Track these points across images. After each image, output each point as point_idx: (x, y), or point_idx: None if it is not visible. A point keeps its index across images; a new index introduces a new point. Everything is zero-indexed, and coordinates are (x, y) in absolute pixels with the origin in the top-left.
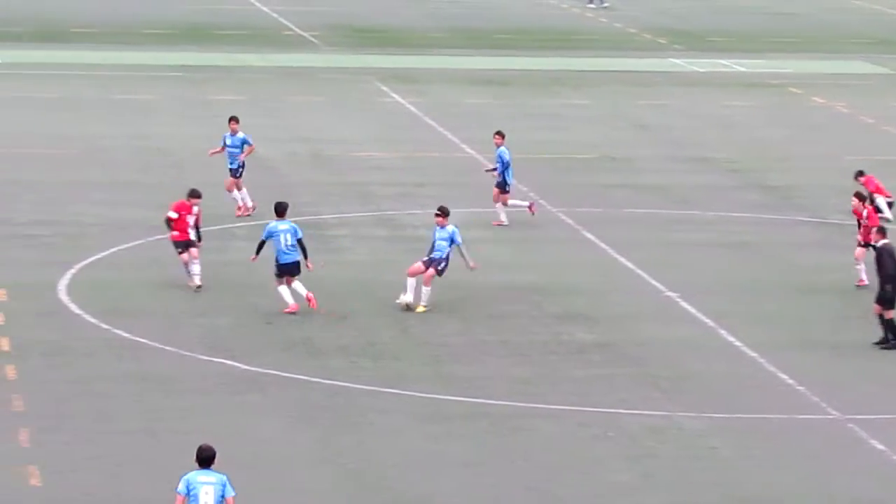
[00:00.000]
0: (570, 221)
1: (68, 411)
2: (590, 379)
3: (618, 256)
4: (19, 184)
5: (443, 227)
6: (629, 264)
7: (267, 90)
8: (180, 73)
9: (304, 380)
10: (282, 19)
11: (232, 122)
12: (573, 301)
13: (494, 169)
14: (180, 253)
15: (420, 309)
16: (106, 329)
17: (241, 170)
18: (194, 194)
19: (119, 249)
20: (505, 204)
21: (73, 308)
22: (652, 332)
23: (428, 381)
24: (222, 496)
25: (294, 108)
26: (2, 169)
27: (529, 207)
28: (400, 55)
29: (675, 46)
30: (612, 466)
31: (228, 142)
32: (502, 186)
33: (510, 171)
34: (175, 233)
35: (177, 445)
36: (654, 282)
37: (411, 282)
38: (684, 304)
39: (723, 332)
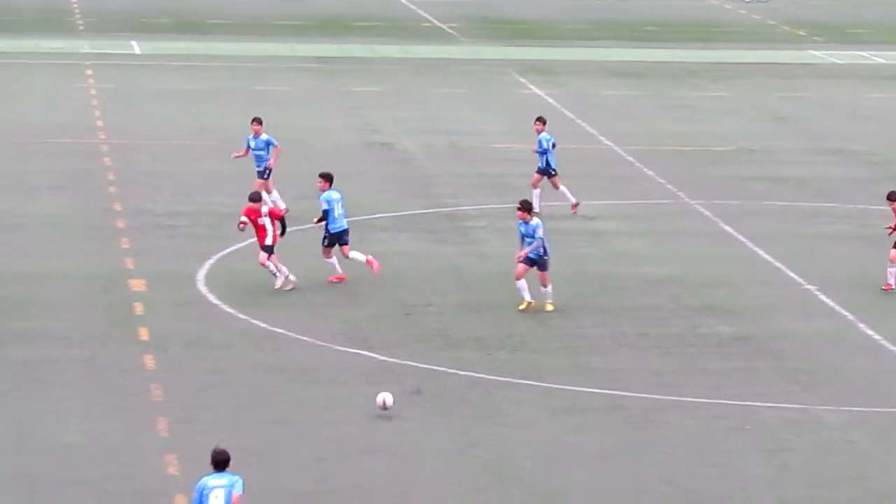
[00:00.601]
0: (707, 214)
1: (206, 401)
2: (727, 371)
3: (756, 249)
4: (160, 175)
5: (526, 221)
6: (768, 257)
7: (405, 82)
8: (318, 65)
9: (440, 371)
10: (420, 11)
11: (255, 124)
12: (711, 293)
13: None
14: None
15: (549, 307)
16: (244, 319)
17: (268, 172)
18: (252, 198)
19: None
20: (557, 187)
21: (212, 298)
22: (790, 325)
23: (564, 373)
24: (230, 494)
25: (432, 100)
26: (142, 160)
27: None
28: (538, 47)
29: (815, 38)
30: (749, 459)
31: (252, 144)
32: (544, 172)
33: (551, 157)
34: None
35: (314, 436)
36: (792, 275)
37: (522, 284)
38: (823, 298)
39: (862, 325)
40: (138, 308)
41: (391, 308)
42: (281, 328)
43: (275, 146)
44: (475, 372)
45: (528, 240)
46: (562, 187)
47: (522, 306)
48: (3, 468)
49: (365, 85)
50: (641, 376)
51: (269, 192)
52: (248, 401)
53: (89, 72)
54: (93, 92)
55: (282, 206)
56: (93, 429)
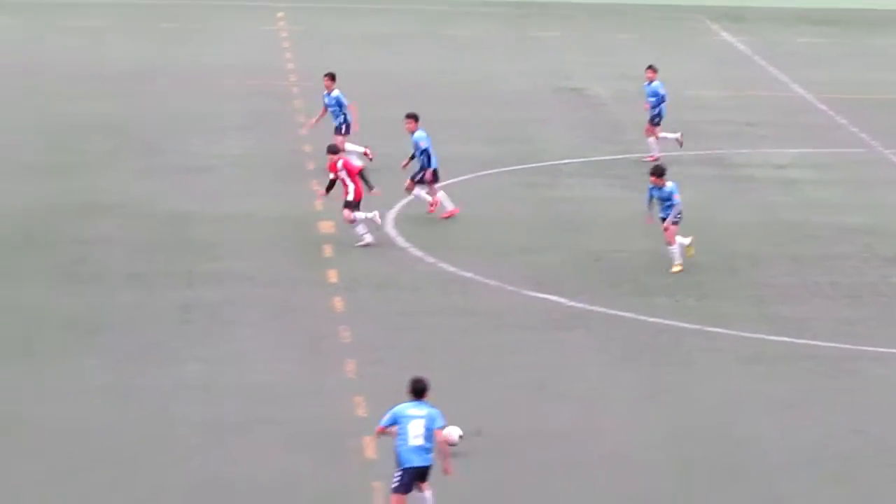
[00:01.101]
0: None
1: (394, 343)
2: None
3: None
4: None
5: (660, 187)
6: None
7: (594, 28)
8: (505, 10)
9: (629, 317)
10: None
11: (326, 80)
12: None
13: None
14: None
15: (676, 268)
16: (432, 263)
17: (343, 126)
18: (329, 150)
19: (445, 184)
20: (656, 137)
21: (400, 241)
22: None
23: (753, 322)
24: (430, 429)
25: (623, 47)
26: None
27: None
28: None
29: None
30: None
31: (326, 101)
32: (654, 121)
33: (663, 107)
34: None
35: (502, 380)
36: None
37: (678, 244)
38: None
39: None
40: (327, 250)
41: (580, 254)
42: (469, 272)
43: (347, 104)
44: (663, 319)
45: (665, 203)
46: (653, 139)
47: (675, 269)
48: (192, 409)
49: (552, 30)
50: (832, 325)
51: (340, 149)
52: (435, 344)
53: (280, 14)
54: (283, 34)
55: (359, 163)
56: (281, 370)
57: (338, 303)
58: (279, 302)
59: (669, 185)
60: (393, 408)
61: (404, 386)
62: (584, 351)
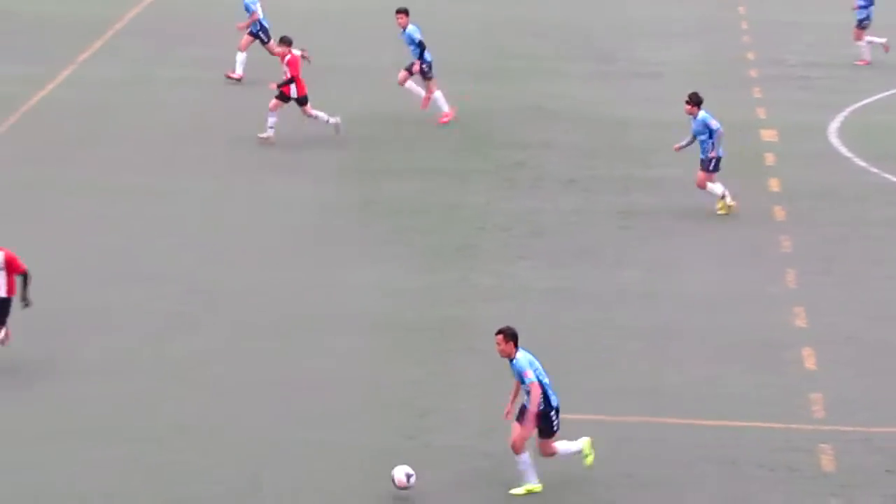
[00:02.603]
0: None
1: (836, 254)
2: None
3: None
4: (794, 25)
5: (694, 116)
6: None
7: None
8: None
9: None
10: None
11: (399, 16)
12: None
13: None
14: None
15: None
16: (875, 173)
17: (414, 66)
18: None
19: (893, 93)
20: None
21: (843, 151)
22: None
23: None
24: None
25: None
26: (777, 9)
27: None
28: None
29: None
30: None
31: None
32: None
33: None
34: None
35: None
36: None
37: (713, 186)
38: None
39: None
40: (769, 158)
41: None
42: None
43: (418, 43)
44: None
45: (700, 138)
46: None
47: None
48: (633, 315)
49: None
50: None
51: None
52: (879, 255)
53: None
54: None
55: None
56: (720, 278)
57: (779, 212)
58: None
59: (701, 114)
60: (525, 361)
61: (846, 297)
62: None
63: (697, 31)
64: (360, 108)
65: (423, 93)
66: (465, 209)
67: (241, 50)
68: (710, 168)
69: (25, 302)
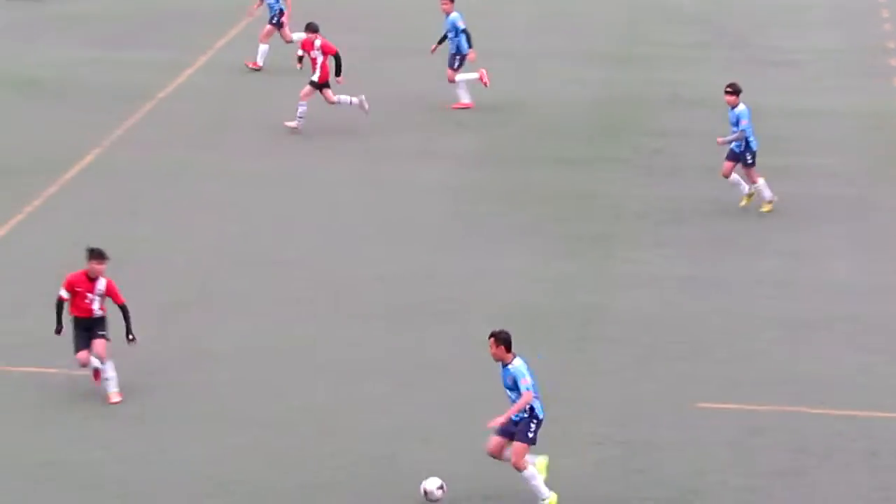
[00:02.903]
0: None
1: None
2: None
3: None
4: None
5: (733, 106)
6: None
7: None
8: None
9: None
10: None
11: (444, 2)
12: None
13: None
14: None
15: (765, 208)
16: None
17: (459, 59)
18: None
19: None
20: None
21: None
22: None
23: None
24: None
25: None
26: None
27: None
28: None
29: None
30: None
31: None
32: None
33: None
34: None
35: None
36: None
37: (734, 178)
38: None
39: None
40: None
41: None
42: None
43: (460, 31)
44: None
45: (732, 129)
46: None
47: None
48: (770, 304)
49: None
50: None
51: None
52: None
53: None
54: None
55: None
56: (860, 267)
57: None
58: (859, 199)
59: (741, 107)
60: (524, 368)
61: None
62: None
63: (836, 19)
64: (492, 95)
65: (475, 76)
66: (602, 197)
67: (269, 40)
68: (749, 161)
69: (130, 336)
